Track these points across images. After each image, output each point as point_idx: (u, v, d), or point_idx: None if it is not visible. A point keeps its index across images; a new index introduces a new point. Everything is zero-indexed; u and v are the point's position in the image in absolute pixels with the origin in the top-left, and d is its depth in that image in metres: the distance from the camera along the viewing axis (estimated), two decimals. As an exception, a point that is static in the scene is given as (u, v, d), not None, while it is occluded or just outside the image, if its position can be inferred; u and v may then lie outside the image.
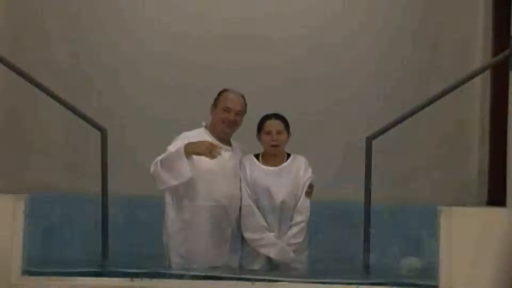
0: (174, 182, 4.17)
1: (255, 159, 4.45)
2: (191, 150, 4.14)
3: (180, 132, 4.42)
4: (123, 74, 5.73)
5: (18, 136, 5.67)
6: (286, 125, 4.42)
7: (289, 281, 3.98)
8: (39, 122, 5.69)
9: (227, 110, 4.36)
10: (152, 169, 4.21)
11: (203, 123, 4.47)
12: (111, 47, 5.75)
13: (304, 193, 4.38)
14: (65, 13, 5.77)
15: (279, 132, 4.39)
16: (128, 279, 3.89)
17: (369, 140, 4.79)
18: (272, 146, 4.38)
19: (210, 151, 4.10)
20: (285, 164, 4.44)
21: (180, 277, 4.02)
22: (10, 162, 5.60)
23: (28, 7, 5.74)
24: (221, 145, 4.29)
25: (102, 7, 5.80)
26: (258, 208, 4.34)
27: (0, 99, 5.63)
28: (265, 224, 4.33)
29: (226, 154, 4.36)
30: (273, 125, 4.39)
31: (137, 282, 3.88)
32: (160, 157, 4.21)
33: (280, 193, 4.35)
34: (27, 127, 5.69)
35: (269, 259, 4.34)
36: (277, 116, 4.43)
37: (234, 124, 4.39)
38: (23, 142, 5.67)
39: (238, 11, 5.77)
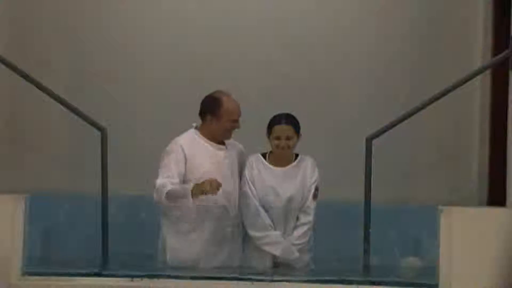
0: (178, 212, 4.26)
1: (262, 158, 4.44)
2: (197, 191, 4.13)
3: (180, 132, 4.42)
4: (123, 74, 5.72)
5: (18, 136, 5.67)
6: (296, 129, 4.38)
7: (289, 281, 3.98)
8: (39, 122, 5.69)
9: (234, 122, 4.36)
10: (155, 197, 4.21)
11: (194, 124, 4.44)
12: (111, 47, 5.75)
13: (311, 194, 4.38)
14: (65, 13, 5.76)
15: (288, 138, 4.36)
16: (128, 279, 3.89)
17: (369, 140, 4.79)
18: (281, 150, 4.37)
19: (213, 188, 4.11)
20: (292, 164, 4.43)
21: (180, 277, 4.02)
22: (10, 162, 5.60)
23: (28, 7, 5.74)
24: (218, 145, 4.36)
25: (102, 7, 5.80)
26: (264, 206, 4.34)
27: (0, 99, 5.63)
28: (270, 222, 4.32)
29: (221, 153, 4.36)
30: (283, 131, 4.34)
31: (137, 282, 3.89)
32: (164, 187, 4.17)
33: (287, 193, 4.35)
34: (27, 127, 5.69)
35: (272, 259, 4.33)
36: (288, 121, 4.36)
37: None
38: (23, 142, 5.66)
39: (241, 12, 5.76)
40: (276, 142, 4.36)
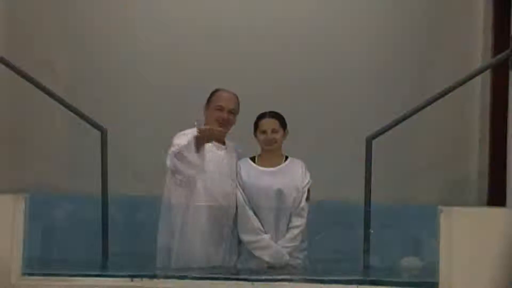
0: (191, 172, 4.13)
1: (250, 161, 4.44)
2: (199, 141, 4.07)
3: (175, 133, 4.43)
4: (123, 74, 5.73)
5: (18, 136, 5.67)
6: (282, 123, 4.41)
7: (289, 281, 3.98)
8: (39, 122, 5.69)
9: (220, 108, 4.36)
10: (168, 163, 4.16)
11: (195, 123, 4.45)
12: (111, 47, 5.75)
13: (304, 197, 4.37)
14: (65, 13, 5.76)
15: (274, 131, 4.38)
16: (128, 279, 3.88)
17: (369, 140, 4.80)
18: (268, 144, 4.37)
19: (213, 132, 4.09)
20: (282, 165, 4.43)
21: (180, 277, 4.02)
22: (10, 162, 5.59)
23: (28, 7, 5.74)
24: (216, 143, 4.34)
25: (103, 7, 5.80)
26: (255, 209, 4.34)
27: (0, 99, 5.63)
28: (260, 226, 4.32)
29: (221, 153, 4.38)
30: (268, 123, 4.38)
31: (137, 282, 3.88)
32: (172, 149, 4.15)
33: (274, 187, 4.34)
34: (27, 127, 5.69)
35: (267, 262, 4.33)
36: (272, 115, 4.41)
37: (227, 123, 4.39)
38: (23, 142, 5.66)
39: (240, 12, 5.76)
40: (262, 136, 4.38)
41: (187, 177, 4.20)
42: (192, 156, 4.08)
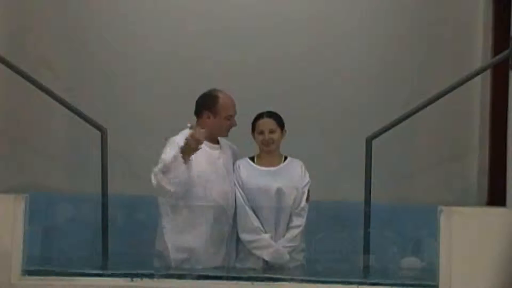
0: (172, 188, 4.10)
1: (250, 161, 4.44)
2: (185, 153, 4.08)
3: (177, 133, 4.42)
4: (123, 74, 5.72)
5: (18, 136, 5.67)
6: (279, 122, 4.40)
7: (289, 281, 3.98)
8: (39, 122, 5.69)
9: (230, 118, 4.37)
10: (155, 183, 4.12)
11: (188, 125, 4.44)
12: (111, 47, 5.74)
13: (304, 197, 4.37)
14: (65, 13, 5.76)
15: (271, 131, 4.37)
16: (128, 279, 3.89)
17: (369, 140, 4.81)
18: (266, 144, 4.38)
19: (193, 141, 4.05)
20: (282, 165, 4.43)
21: (181, 277, 4.03)
22: (10, 162, 5.60)
23: (28, 7, 5.74)
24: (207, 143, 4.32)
25: (102, 7, 5.80)
26: (255, 209, 4.33)
27: (0, 99, 5.63)
28: (259, 225, 4.31)
29: (215, 153, 4.36)
30: (265, 124, 4.38)
31: (137, 282, 3.89)
32: (159, 166, 4.12)
33: (275, 186, 4.34)
34: (27, 127, 5.69)
35: (265, 261, 4.32)
36: (269, 115, 4.40)
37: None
38: (23, 142, 5.66)
39: (240, 12, 5.76)
40: (260, 137, 4.37)
41: (174, 195, 4.16)
42: (178, 171, 4.06)
